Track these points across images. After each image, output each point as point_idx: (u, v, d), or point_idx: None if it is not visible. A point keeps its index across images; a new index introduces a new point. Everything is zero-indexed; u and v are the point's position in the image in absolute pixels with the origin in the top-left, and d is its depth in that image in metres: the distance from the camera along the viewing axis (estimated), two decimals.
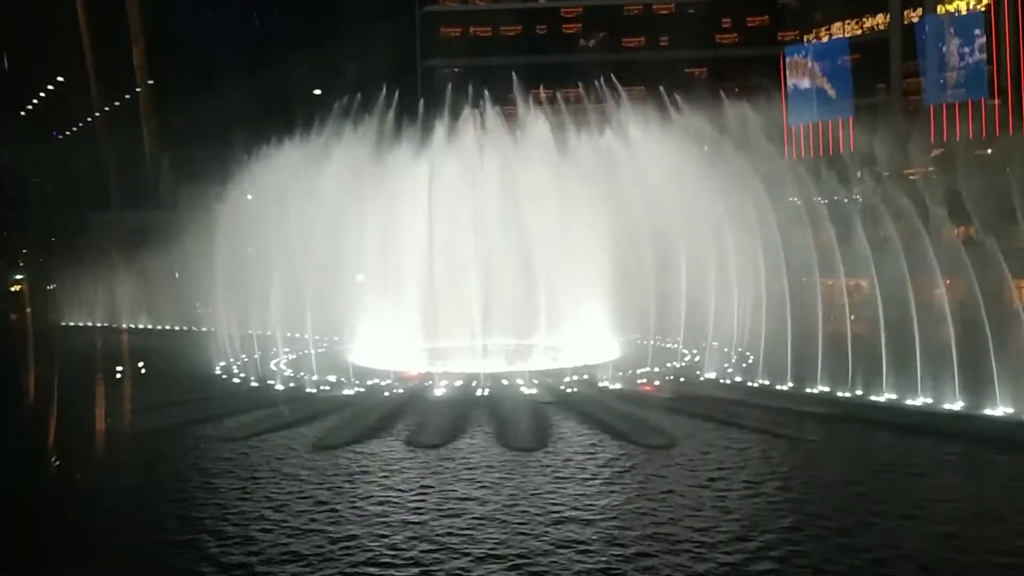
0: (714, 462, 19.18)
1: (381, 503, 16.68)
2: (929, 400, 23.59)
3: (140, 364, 35.35)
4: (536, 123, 36.97)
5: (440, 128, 35.56)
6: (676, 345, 35.48)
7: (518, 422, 23.17)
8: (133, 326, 57.08)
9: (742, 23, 69.33)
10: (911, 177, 50.99)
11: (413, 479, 18.26)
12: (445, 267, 33.99)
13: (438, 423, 23.29)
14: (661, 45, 68.42)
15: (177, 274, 56.53)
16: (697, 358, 33.02)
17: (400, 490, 17.53)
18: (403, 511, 16.24)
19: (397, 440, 21.77)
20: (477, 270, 33.15)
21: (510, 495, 17.03)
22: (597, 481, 17.96)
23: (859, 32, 62.98)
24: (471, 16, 68.71)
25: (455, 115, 38.07)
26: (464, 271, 33.37)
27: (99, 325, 58.53)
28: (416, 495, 17.16)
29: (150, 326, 56.50)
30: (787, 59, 61.94)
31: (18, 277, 68.07)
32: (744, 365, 30.68)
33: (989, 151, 50.41)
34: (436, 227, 34.48)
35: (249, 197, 40.52)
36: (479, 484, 17.79)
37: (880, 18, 61.07)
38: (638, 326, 35.31)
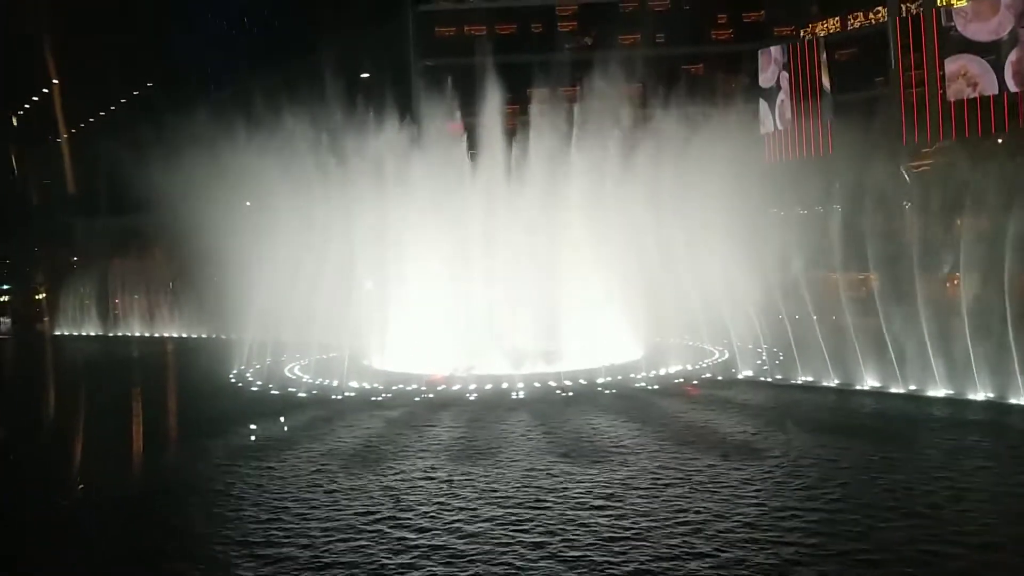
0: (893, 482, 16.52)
1: None
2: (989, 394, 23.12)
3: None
4: (552, 124, 36.33)
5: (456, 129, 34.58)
6: (698, 344, 34.98)
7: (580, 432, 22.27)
8: (132, 334, 55.78)
9: (738, 19, 69.14)
10: (917, 169, 51.32)
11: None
12: (462, 271, 33.17)
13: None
14: (657, 42, 67.90)
15: (172, 284, 55.45)
16: (726, 356, 32.38)
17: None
18: None
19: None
20: (493, 275, 32.34)
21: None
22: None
23: (858, 24, 62.95)
24: (466, 15, 67.83)
25: (455, 115, 37.50)
26: (480, 276, 32.55)
27: (92, 334, 57.16)
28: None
29: (148, 334, 55.21)
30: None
31: (4, 287, 66.37)
32: (777, 362, 30.13)
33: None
34: (451, 231, 33.72)
35: (247, 203, 39.42)
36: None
37: (881, 11, 60.90)
38: (658, 325, 34.67)
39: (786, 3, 67.40)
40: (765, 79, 65.18)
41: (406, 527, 14.66)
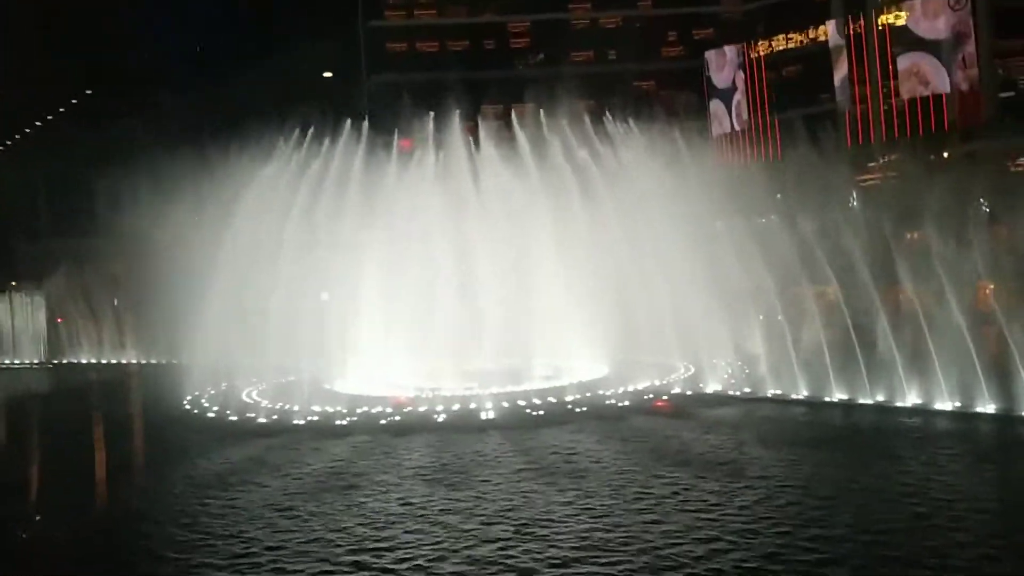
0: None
1: None
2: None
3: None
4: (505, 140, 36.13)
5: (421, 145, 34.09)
6: (663, 359, 34.74)
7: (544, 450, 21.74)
8: (77, 361, 53.68)
9: (688, 36, 69.99)
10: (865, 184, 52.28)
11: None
12: (419, 288, 32.52)
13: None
14: (609, 59, 68.40)
15: (116, 301, 53.62)
16: (691, 371, 32.22)
17: None
18: None
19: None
20: (451, 290, 31.76)
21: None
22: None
23: (803, 43, 64.15)
24: (417, 31, 67.44)
25: (407, 131, 37.07)
26: (438, 291, 31.92)
27: (32, 363, 54.92)
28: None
29: (93, 360, 53.16)
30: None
31: None
32: (744, 375, 30.12)
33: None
34: (410, 248, 33.17)
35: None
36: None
37: (823, 29, 62.21)
38: (620, 342, 34.36)
39: (735, 21, 68.63)
40: (721, 79, 65.51)
41: (383, 559, 13.95)
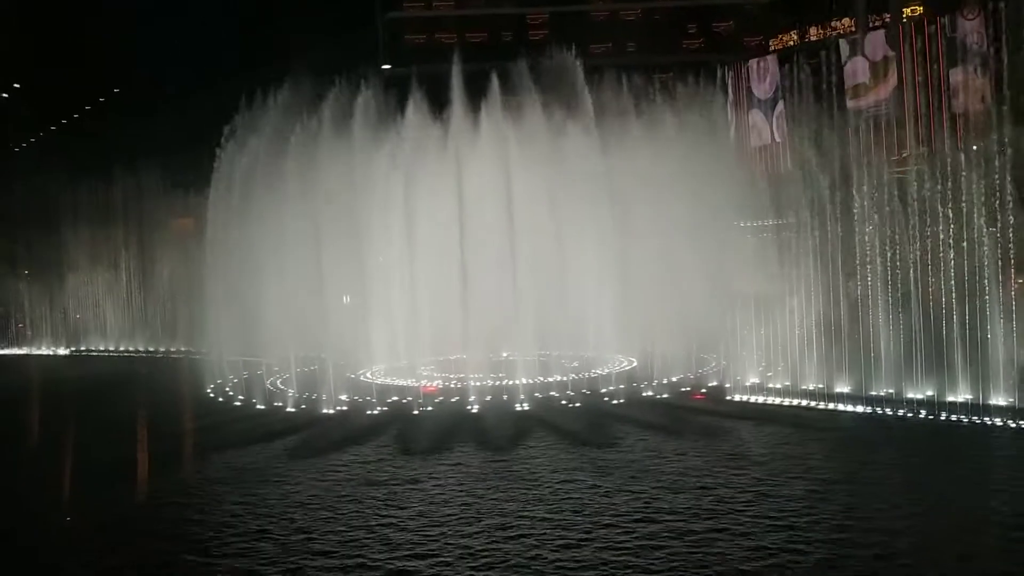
0: None
1: None
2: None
3: None
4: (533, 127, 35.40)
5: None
6: (689, 351, 34.16)
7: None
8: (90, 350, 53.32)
9: (707, 29, 69.31)
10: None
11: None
12: (439, 278, 31.99)
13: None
14: (628, 51, 67.67)
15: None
16: (723, 363, 31.61)
17: None
18: None
19: None
20: (470, 277, 31.15)
21: None
22: None
23: (823, 36, 63.41)
24: (436, 22, 66.87)
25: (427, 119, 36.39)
26: (456, 278, 31.36)
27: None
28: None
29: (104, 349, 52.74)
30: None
31: None
32: (780, 368, 29.48)
33: None
34: (426, 236, 32.58)
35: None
36: None
37: (847, 21, 61.53)
38: (646, 333, 33.82)
39: (755, 15, 67.90)
40: (762, 89, 64.36)
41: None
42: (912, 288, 25.06)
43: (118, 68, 66.33)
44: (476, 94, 35.36)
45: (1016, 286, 25.59)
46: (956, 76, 50.05)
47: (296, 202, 31.87)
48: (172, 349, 48.41)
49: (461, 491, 16.70)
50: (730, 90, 58.45)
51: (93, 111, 69.05)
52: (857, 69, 53.91)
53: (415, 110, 34.55)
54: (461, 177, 31.64)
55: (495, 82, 35.61)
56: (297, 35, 60.40)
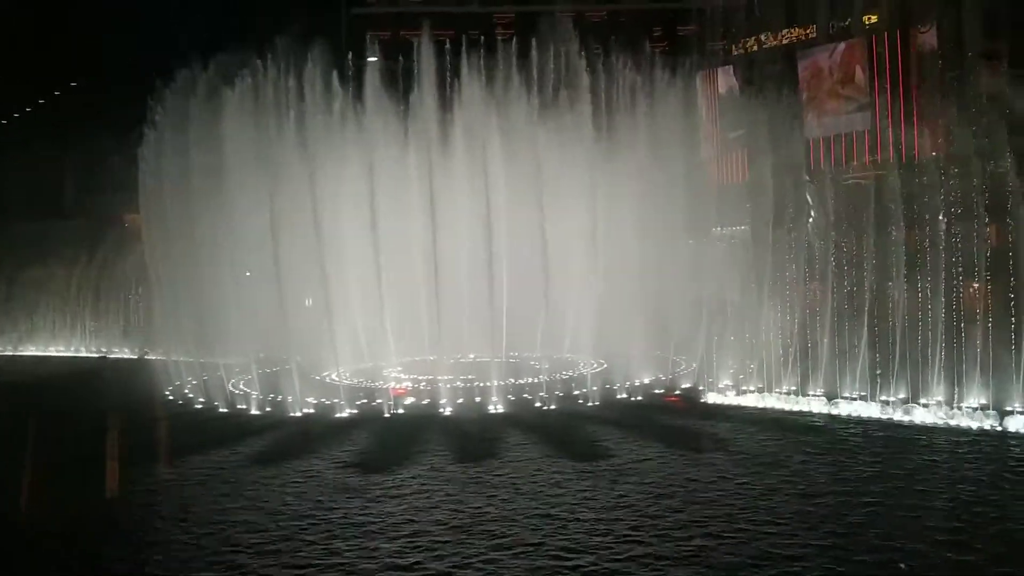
0: None
1: None
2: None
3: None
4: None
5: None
6: (661, 353, 33.98)
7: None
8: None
9: (672, 32, 69.54)
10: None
11: None
12: (403, 277, 31.33)
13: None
14: (593, 51, 67.49)
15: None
16: (693, 366, 31.47)
17: None
18: None
19: None
20: (431, 279, 30.52)
21: None
22: None
23: (784, 42, 63.92)
24: (401, 19, 66.00)
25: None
26: (422, 277, 30.74)
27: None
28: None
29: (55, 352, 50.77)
30: None
31: None
32: (750, 371, 29.42)
33: None
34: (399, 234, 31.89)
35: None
36: None
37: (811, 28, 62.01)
38: (614, 335, 33.51)
39: (720, 19, 68.32)
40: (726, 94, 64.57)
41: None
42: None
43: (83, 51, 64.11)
44: (444, 89, 34.82)
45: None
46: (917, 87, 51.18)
47: (250, 195, 30.79)
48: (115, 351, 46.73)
49: (443, 497, 16.14)
50: (699, 94, 58.72)
51: (49, 98, 66.77)
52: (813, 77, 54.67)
53: (379, 103, 33.91)
54: (431, 173, 31.00)
55: (466, 77, 35.11)
56: (259, 23, 59.08)
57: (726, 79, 64.11)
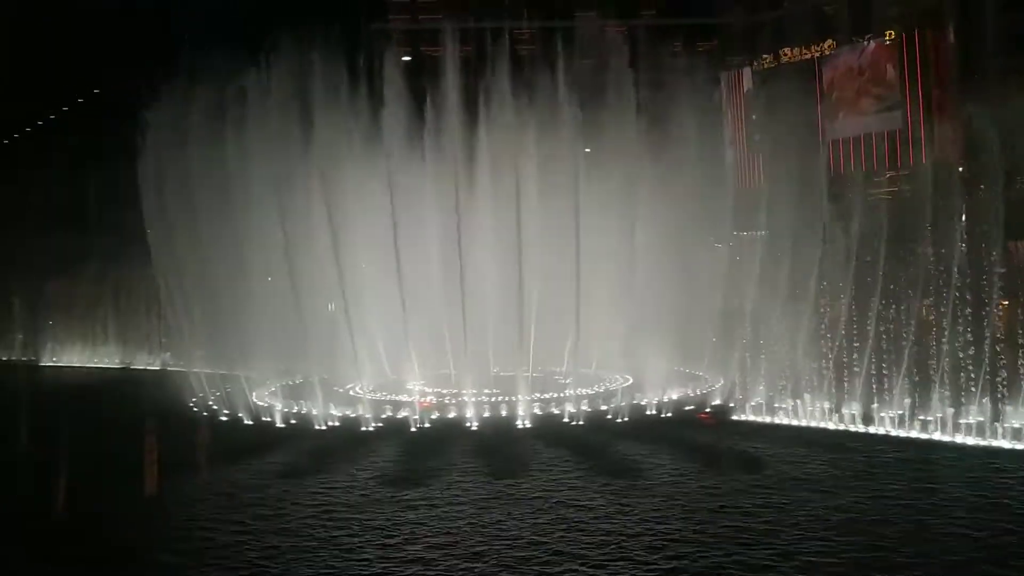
0: None
1: None
2: None
3: None
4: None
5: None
6: (687, 369, 33.57)
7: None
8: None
9: (692, 48, 69.37)
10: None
11: None
12: (428, 291, 31.12)
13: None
14: (620, 67, 67.45)
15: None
16: (721, 382, 31.03)
17: None
18: None
19: None
20: (456, 292, 30.26)
21: None
22: None
23: (809, 56, 63.57)
24: (421, 36, 66.25)
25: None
26: (448, 291, 30.48)
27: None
28: None
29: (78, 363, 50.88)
30: None
31: None
32: (783, 387, 28.94)
33: None
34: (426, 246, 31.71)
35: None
36: None
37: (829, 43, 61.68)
38: (641, 350, 33.11)
39: (740, 35, 68.25)
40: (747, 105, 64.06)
41: None
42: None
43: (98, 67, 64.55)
44: (468, 105, 34.75)
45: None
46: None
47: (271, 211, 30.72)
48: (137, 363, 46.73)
49: (475, 514, 15.86)
50: (724, 103, 58.25)
51: (70, 109, 67.33)
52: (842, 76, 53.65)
53: (404, 116, 33.83)
54: (458, 187, 30.91)
55: (489, 91, 35.02)
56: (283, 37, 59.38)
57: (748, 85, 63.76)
